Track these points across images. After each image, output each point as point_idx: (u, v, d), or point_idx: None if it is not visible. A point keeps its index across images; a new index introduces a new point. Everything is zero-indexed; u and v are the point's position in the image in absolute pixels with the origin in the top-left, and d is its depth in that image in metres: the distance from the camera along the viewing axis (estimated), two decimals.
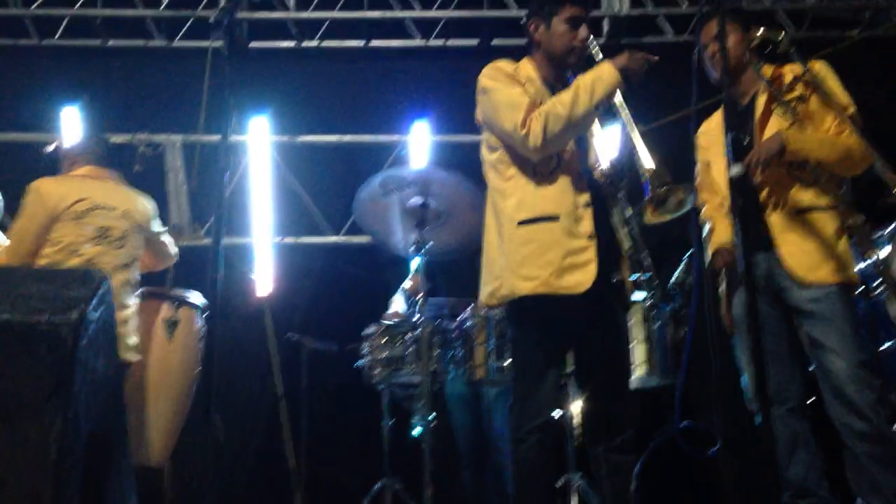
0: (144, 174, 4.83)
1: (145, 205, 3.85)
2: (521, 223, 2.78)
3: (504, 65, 3.00)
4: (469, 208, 3.53)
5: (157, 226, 3.91)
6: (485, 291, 2.88)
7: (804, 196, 2.90)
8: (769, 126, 2.95)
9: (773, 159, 2.79)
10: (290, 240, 5.38)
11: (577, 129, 2.80)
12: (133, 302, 3.64)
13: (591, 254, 2.70)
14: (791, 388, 2.93)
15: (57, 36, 5.67)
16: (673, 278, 3.73)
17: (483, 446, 4.23)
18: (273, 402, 4.86)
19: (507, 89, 2.91)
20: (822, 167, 2.87)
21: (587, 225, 2.74)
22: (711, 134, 3.13)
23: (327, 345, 4.51)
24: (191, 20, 5.67)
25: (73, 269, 1.59)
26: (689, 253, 3.51)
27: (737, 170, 1.97)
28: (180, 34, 5.71)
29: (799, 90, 2.94)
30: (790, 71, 3.01)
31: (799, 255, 2.85)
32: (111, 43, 5.72)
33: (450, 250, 3.68)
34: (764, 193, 2.93)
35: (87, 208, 3.56)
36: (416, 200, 3.56)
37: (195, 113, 5.15)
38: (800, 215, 2.88)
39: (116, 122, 5.37)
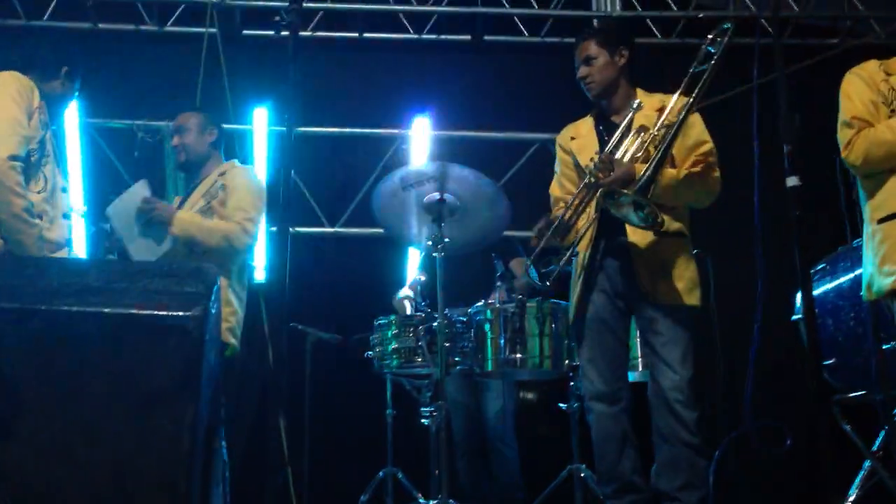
0: (144, 160, 4.81)
1: None
2: None
3: None
4: (486, 204, 3.62)
5: None
6: None
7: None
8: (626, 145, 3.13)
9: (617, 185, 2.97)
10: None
11: None
12: None
13: None
14: (624, 389, 3.19)
15: (45, 17, 5.59)
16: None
17: (478, 438, 4.34)
18: (265, 386, 4.87)
19: None
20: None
21: None
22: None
23: (331, 335, 4.56)
24: (182, 6, 5.66)
25: (185, 265, 1.63)
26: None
27: (794, 181, 2.09)
28: (172, 19, 5.68)
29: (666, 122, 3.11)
30: (661, 102, 3.20)
31: (651, 273, 3.10)
32: (101, 26, 5.66)
33: (466, 245, 3.76)
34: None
35: None
36: (433, 196, 3.63)
37: (190, 99, 5.13)
38: (657, 236, 3.10)
39: (111, 108, 5.33)
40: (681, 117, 3.00)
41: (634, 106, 3.19)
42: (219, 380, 1.73)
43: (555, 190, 3.51)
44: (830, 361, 3.55)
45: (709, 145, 3.17)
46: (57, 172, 3.45)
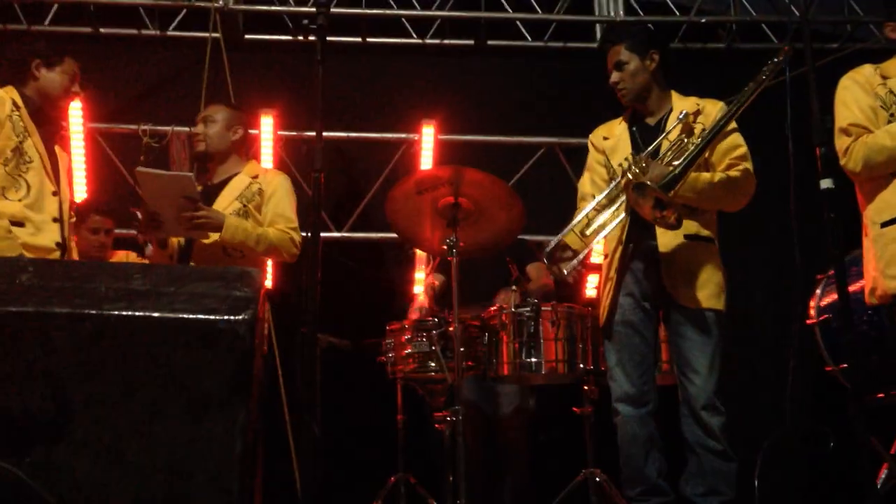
0: (149, 165, 4.76)
1: None
2: None
3: None
4: (500, 208, 3.62)
5: None
6: None
7: (690, 224, 3.14)
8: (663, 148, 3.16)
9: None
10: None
11: None
12: None
13: None
14: (651, 393, 3.21)
15: (46, 21, 5.56)
16: None
17: (492, 442, 4.33)
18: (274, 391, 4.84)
19: None
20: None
21: None
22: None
23: (341, 340, 4.54)
24: (184, 11, 5.64)
25: (231, 268, 1.62)
26: None
27: (827, 183, 2.10)
28: (174, 23, 5.66)
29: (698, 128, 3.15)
30: (696, 105, 3.23)
31: (678, 277, 3.12)
32: (103, 30, 5.63)
33: (480, 249, 3.75)
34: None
35: None
36: (448, 199, 3.62)
37: (194, 104, 5.11)
38: (686, 240, 3.13)
39: (115, 113, 5.31)
40: (720, 124, 3.01)
41: (670, 110, 3.22)
42: (263, 384, 1.73)
43: (584, 185, 3.53)
44: (844, 365, 3.56)
45: (743, 149, 3.18)
46: (45, 177, 3.41)
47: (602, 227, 3.28)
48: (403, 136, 5.54)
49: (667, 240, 3.16)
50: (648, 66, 3.32)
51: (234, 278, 1.64)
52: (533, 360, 3.69)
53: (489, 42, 5.83)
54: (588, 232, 3.29)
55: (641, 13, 5.86)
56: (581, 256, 3.26)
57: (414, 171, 4.36)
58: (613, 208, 3.24)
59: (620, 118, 3.48)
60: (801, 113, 2.41)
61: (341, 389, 4.63)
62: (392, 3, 5.73)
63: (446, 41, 5.83)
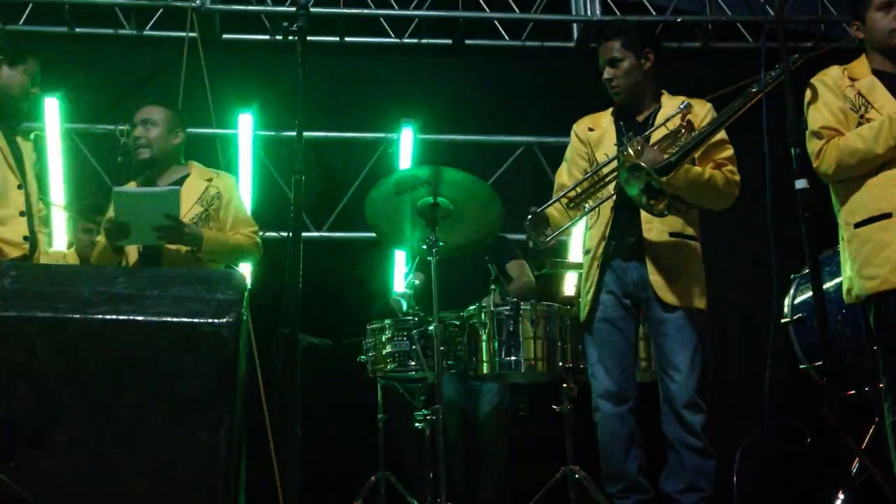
0: (127, 165, 4.74)
1: None
2: None
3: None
4: (480, 207, 3.64)
5: None
6: None
7: (675, 222, 3.18)
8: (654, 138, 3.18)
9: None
10: (271, 234, 5.37)
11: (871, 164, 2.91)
12: None
13: None
14: (632, 390, 3.23)
15: (21, 21, 5.50)
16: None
17: (472, 440, 4.35)
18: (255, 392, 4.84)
19: None
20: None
21: None
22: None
23: (322, 340, 4.54)
24: (161, 10, 5.60)
25: (215, 271, 1.62)
26: None
27: (802, 184, 2.14)
28: (151, 23, 5.63)
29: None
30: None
31: (662, 274, 3.14)
32: (79, 30, 5.59)
33: (459, 248, 3.77)
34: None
35: None
36: (427, 199, 3.64)
37: (173, 104, 5.08)
38: (671, 238, 3.16)
39: (92, 113, 5.27)
40: (720, 122, 3.03)
41: (659, 107, 3.26)
42: (246, 387, 1.73)
43: (562, 176, 3.51)
44: (818, 363, 3.62)
45: (730, 150, 3.22)
46: (8, 171, 3.36)
47: (589, 198, 3.26)
48: (382, 135, 5.54)
49: (652, 236, 3.18)
50: (643, 65, 3.31)
51: (217, 281, 1.64)
52: (512, 358, 3.72)
53: (467, 41, 5.84)
54: (572, 207, 3.27)
55: (618, 12, 5.89)
56: (563, 228, 3.27)
57: (393, 171, 4.37)
58: (596, 194, 3.24)
59: (607, 111, 3.46)
60: (778, 113, 2.44)
61: (322, 389, 4.63)
62: (370, 2, 5.74)
63: (424, 41, 5.84)
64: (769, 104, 2.62)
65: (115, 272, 1.69)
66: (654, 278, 3.16)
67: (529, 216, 3.28)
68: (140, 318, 1.57)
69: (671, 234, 3.17)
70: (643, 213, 3.14)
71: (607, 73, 3.31)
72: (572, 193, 3.30)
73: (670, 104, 3.26)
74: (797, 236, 2.49)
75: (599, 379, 3.23)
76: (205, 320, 1.57)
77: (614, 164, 3.16)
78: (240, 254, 3.69)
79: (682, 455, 3.07)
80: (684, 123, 3.10)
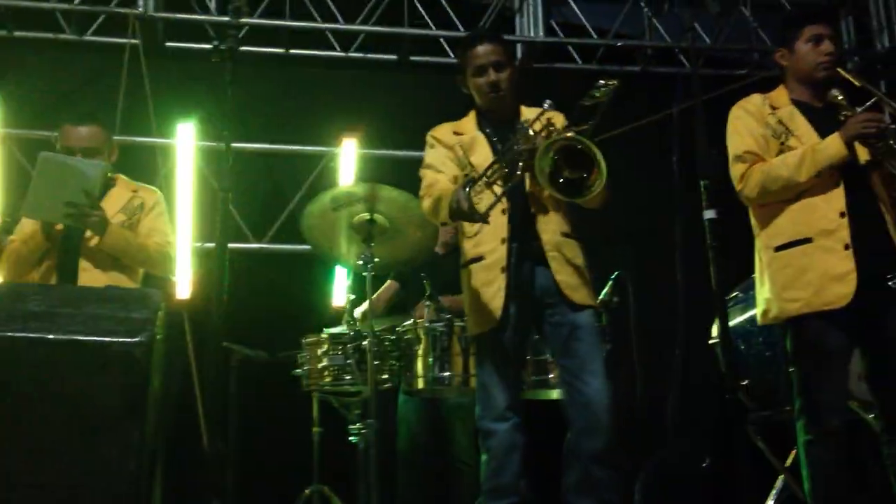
0: None
1: None
2: None
3: None
4: (416, 226, 3.68)
5: None
6: None
7: (563, 224, 3.13)
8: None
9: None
10: (211, 245, 5.34)
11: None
12: None
13: None
14: (520, 402, 3.12)
15: None
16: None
17: (433, 453, 4.37)
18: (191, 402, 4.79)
19: None
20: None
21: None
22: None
23: (257, 352, 4.53)
24: (103, 16, 5.55)
25: (131, 290, 1.62)
26: (615, 274, 3.78)
27: (711, 214, 2.20)
28: (92, 28, 5.57)
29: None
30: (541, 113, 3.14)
31: (568, 275, 3.06)
32: (17, 34, 5.51)
33: (396, 265, 3.80)
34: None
35: None
36: (363, 216, 3.66)
37: (111, 111, 5.04)
38: (566, 238, 3.11)
39: (29, 119, 5.20)
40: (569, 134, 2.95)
41: (518, 115, 3.21)
42: (161, 404, 1.74)
43: (438, 177, 3.28)
44: (745, 382, 3.72)
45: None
46: None
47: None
48: (325, 149, 5.56)
49: (549, 237, 3.09)
50: (515, 75, 3.28)
51: (132, 300, 1.65)
52: (446, 374, 3.75)
53: (412, 58, 5.89)
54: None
55: (561, 34, 6.00)
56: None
57: (331, 186, 4.39)
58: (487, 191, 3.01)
59: (468, 117, 3.37)
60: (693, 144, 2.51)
61: (257, 401, 4.62)
62: (316, 15, 5.75)
63: (370, 55, 5.87)
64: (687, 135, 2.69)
65: (29, 289, 1.69)
66: (561, 278, 3.05)
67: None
68: (50, 336, 1.57)
69: (563, 235, 3.11)
70: (537, 216, 3.10)
71: (493, 76, 3.20)
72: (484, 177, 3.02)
73: (528, 113, 3.20)
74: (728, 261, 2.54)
75: (495, 397, 3.07)
76: (117, 339, 1.57)
77: (496, 167, 3.00)
78: (145, 258, 3.69)
79: (589, 469, 2.94)
80: (549, 125, 3.05)
